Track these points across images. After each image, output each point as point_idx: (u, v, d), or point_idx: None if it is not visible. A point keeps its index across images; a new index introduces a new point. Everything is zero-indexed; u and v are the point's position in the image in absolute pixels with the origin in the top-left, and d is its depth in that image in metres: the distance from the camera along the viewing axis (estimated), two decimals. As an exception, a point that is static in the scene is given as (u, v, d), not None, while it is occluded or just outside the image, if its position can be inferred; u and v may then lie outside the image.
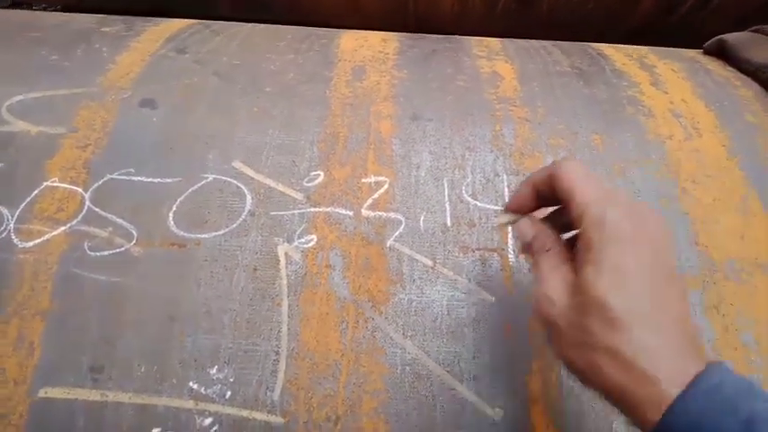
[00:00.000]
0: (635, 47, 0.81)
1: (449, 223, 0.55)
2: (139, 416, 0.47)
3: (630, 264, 0.34)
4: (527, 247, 0.42)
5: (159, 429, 0.47)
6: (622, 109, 0.64)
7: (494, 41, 0.80)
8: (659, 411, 0.32)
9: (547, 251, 0.40)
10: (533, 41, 0.81)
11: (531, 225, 0.42)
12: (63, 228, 0.53)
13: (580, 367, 0.35)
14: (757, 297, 0.52)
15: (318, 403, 0.48)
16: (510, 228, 0.45)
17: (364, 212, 0.55)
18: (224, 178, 0.55)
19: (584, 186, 0.38)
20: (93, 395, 0.48)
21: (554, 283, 0.37)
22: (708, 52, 0.80)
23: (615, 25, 1.35)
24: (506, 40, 0.81)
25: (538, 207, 0.43)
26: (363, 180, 0.57)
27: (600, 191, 0.38)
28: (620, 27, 1.34)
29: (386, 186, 0.56)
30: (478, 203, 0.56)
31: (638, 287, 0.34)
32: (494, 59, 0.73)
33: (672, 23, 1.30)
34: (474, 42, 0.79)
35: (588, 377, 0.35)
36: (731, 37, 0.77)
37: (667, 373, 0.32)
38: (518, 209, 0.44)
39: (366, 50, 0.73)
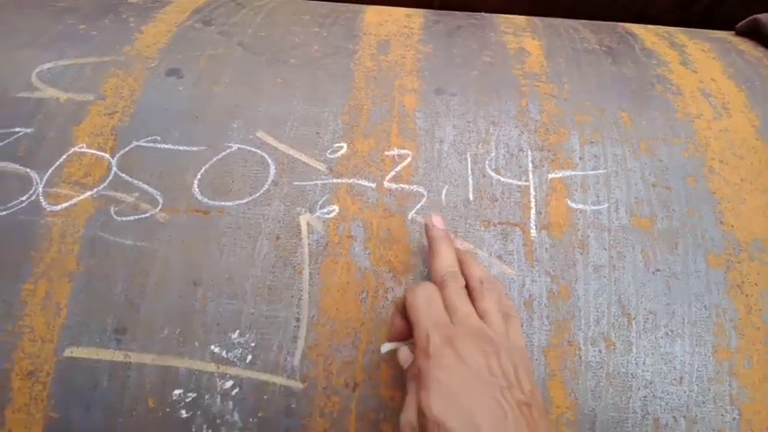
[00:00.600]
0: (665, 27, 0.80)
1: (471, 197, 0.54)
2: (162, 377, 0.48)
3: (456, 385, 0.37)
4: (406, 373, 0.43)
5: (181, 391, 0.48)
6: (651, 87, 0.63)
7: (520, 19, 0.79)
8: None
9: (412, 380, 0.41)
10: (561, 20, 0.80)
11: (410, 352, 0.44)
12: (90, 192, 0.54)
13: None
14: (784, 278, 0.51)
15: (338, 370, 0.48)
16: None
17: (386, 185, 0.55)
18: (248, 148, 0.56)
19: (420, 314, 0.42)
20: (117, 356, 0.49)
21: (412, 407, 0.39)
22: (740, 33, 0.78)
23: (635, 16, 1.33)
24: (534, 18, 0.80)
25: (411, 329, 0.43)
26: (386, 153, 0.56)
27: (431, 319, 0.41)
28: (640, 18, 1.31)
29: (409, 159, 0.56)
30: (501, 178, 0.55)
31: (467, 404, 0.36)
32: (520, 36, 0.72)
33: (693, 15, 1.27)
34: (501, 19, 0.78)
35: None
36: (765, 17, 0.74)
37: None
38: (397, 337, 0.45)
39: (391, 25, 0.72)
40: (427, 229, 0.50)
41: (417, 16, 0.76)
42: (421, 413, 0.37)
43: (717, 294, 0.51)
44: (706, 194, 0.54)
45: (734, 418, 0.48)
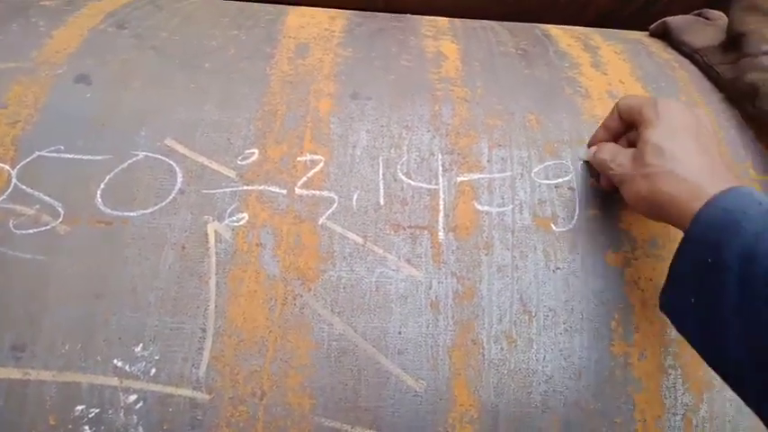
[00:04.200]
0: (585, 28, 0.82)
1: (382, 202, 0.55)
2: (63, 394, 0.47)
3: (677, 125, 0.48)
4: (597, 165, 0.55)
5: (83, 407, 0.47)
6: (561, 90, 0.65)
7: (443, 21, 0.80)
8: (700, 203, 0.42)
9: (608, 149, 0.53)
10: (484, 21, 0.82)
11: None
12: (-12, 205, 0.52)
13: (641, 195, 0.47)
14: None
15: (244, 379, 0.48)
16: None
17: (298, 191, 0.55)
18: (155, 155, 0.55)
19: (638, 98, 0.53)
20: (15, 374, 0.47)
21: (621, 154, 0.51)
22: (653, 34, 0.81)
23: (576, 15, 1.36)
24: (456, 20, 0.81)
25: (618, 133, 0.56)
26: (299, 158, 0.57)
27: (652, 98, 0.52)
28: (580, 17, 1.34)
29: (321, 165, 0.56)
30: (412, 182, 0.56)
31: (684, 137, 0.47)
32: (440, 39, 0.73)
33: (630, 13, 1.31)
34: (424, 22, 0.79)
35: (648, 200, 0.47)
36: (674, 20, 0.78)
37: (710, 182, 0.43)
38: (599, 138, 0.57)
39: (312, 28, 0.72)
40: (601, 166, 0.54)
41: (341, 18, 0.76)
42: (642, 142, 0.48)
43: (614, 290, 0.53)
44: (607, 195, 0.56)
45: (629, 409, 0.50)
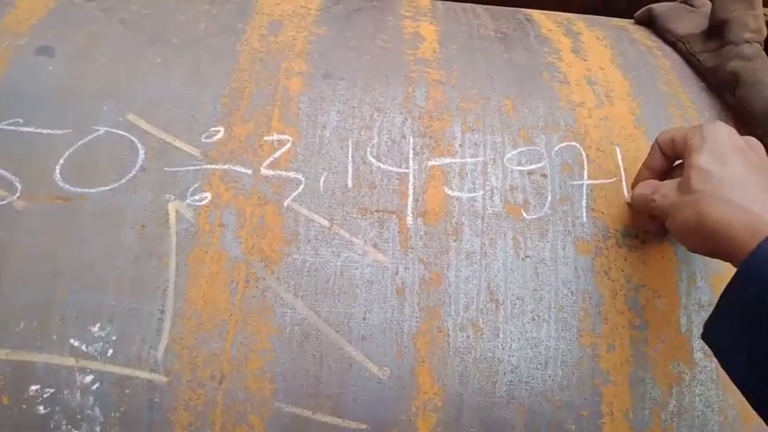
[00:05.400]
0: (570, 14, 0.81)
1: (350, 184, 0.54)
2: (17, 373, 0.46)
3: (725, 147, 0.44)
4: (641, 205, 0.52)
5: (38, 387, 0.46)
6: (539, 75, 0.64)
7: (425, 2, 0.78)
8: (756, 239, 0.39)
9: (651, 183, 0.51)
10: (467, 4, 0.80)
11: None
12: (-59, 179, 0.50)
13: (690, 225, 0.44)
14: (648, 261, 0.53)
15: (203, 362, 0.47)
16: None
17: (263, 171, 0.53)
18: (116, 131, 0.53)
19: (680, 128, 0.50)
20: (-33, 352, 0.46)
21: (664, 186, 0.48)
22: (639, 22, 0.80)
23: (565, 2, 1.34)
24: (439, 2, 0.79)
25: (664, 169, 0.52)
26: (266, 138, 0.55)
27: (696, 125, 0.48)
28: (574, 4, 1.32)
29: (288, 145, 0.55)
30: (382, 165, 0.55)
31: (734, 160, 0.43)
32: (419, 20, 0.71)
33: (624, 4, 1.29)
34: (404, 2, 0.77)
35: (696, 230, 0.44)
36: (659, 7, 0.76)
37: (766, 211, 0.40)
38: (646, 175, 0.53)
39: (288, 5, 0.70)
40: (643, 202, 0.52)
41: (319, -4, 0.74)
42: (688, 167, 0.45)
43: (584, 280, 0.52)
44: (580, 182, 0.55)
45: (596, 401, 0.50)
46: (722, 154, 0.44)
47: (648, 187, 0.50)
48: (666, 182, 0.49)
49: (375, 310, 0.50)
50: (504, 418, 0.48)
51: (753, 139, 0.47)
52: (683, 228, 0.45)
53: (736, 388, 0.41)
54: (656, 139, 0.51)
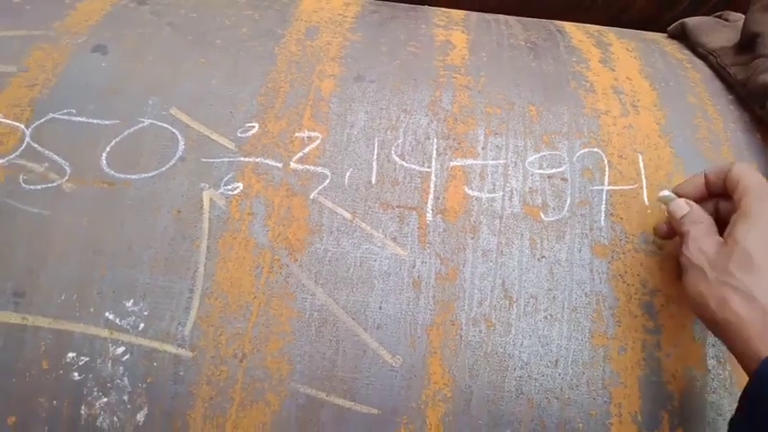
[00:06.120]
0: (602, 27, 0.81)
1: (373, 181, 0.56)
2: (57, 340, 0.50)
3: None
4: (676, 222, 0.49)
5: (74, 354, 0.50)
6: (566, 83, 0.65)
7: (458, 13, 0.80)
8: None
9: (699, 223, 0.47)
10: (500, 15, 0.82)
11: (686, 204, 0.49)
12: (1, 161, 0.55)
13: (707, 300, 0.43)
14: (665, 267, 0.53)
15: (227, 340, 0.50)
16: (664, 203, 0.52)
17: (293, 165, 0.56)
18: (160, 123, 0.57)
19: (751, 177, 0.46)
20: (14, 318, 0.50)
21: (707, 241, 0.46)
22: (671, 35, 0.80)
23: (614, 18, 1.34)
24: (472, 13, 0.81)
25: (703, 196, 0.50)
26: (297, 134, 0.58)
27: (762, 183, 0.45)
28: (619, 20, 1.32)
29: (317, 142, 0.58)
30: (405, 164, 0.57)
31: None
32: (451, 29, 0.73)
33: (671, 19, 1.29)
34: (438, 12, 0.79)
35: (710, 309, 0.43)
36: (692, 21, 0.76)
37: None
38: (684, 193, 0.51)
39: (326, 12, 0.74)
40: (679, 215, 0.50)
41: (355, 5, 0.78)
42: (733, 241, 0.43)
43: (598, 282, 0.53)
44: (600, 187, 0.56)
45: (605, 402, 0.50)
46: None
47: (693, 226, 0.48)
48: (710, 235, 0.46)
49: (391, 300, 0.51)
50: (512, 413, 0.49)
51: None
52: (700, 300, 0.44)
53: None
54: (731, 169, 0.48)
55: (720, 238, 0.45)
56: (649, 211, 0.55)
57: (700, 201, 0.50)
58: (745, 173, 0.46)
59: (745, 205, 0.44)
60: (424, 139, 0.59)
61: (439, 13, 0.79)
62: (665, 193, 0.52)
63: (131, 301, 0.51)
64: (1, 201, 0.53)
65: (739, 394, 0.41)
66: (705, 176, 0.50)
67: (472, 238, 0.54)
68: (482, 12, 0.83)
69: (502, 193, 0.55)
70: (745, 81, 0.63)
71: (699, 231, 0.47)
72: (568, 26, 0.79)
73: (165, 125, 0.57)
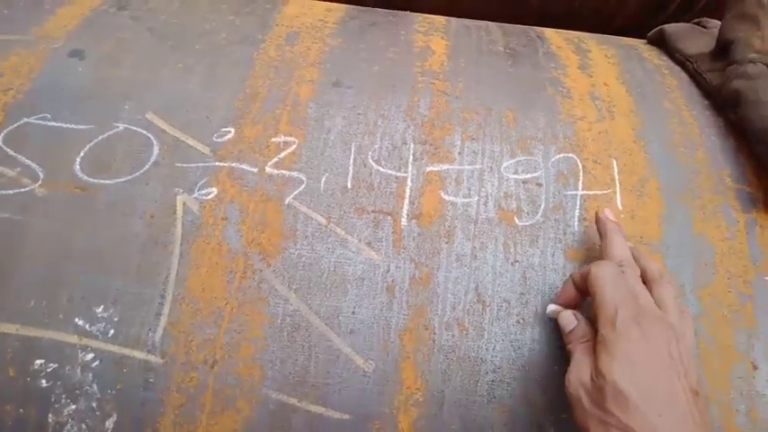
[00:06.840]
0: (583, 33, 0.82)
1: (349, 185, 0.56)
2: (25, 347, 0.49)
3: (639, 359, 0.41)
4: (565, 337, 0.48)
5: (42, 361, 0.49)
6: (543, 89, 0.65)
7: (439, 19, 0.80)
8: None
9: (583, 342, 0.46)
10: (481, 21, 0.82)
11: (573, 317, 0.48)
12: (-27, 166, 0.54)
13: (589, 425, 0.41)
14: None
15: (198, 346, 0.50)
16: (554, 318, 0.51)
17: (268, 170, 0.56)
18: (134, 128, 0.57)
19: (606, 288, 0.45)
20: (-19, 324, 0.50)
21: (584, 368, 0.43)
22: (651, 41, 0.81)
23: (603, 23, 1.35)
24: (453, 19, 0.82)
25: (580, 299, 0.49)
26: (273, 139, 0.58)
27: (618, 295, 0.44)
28: (608, 25, 1.33)
29: (294, 147, 0.58)
30: (381, 169, 0.57)
31: (647, 377, 0.40)
32: (431, 35, 0.73)
33: (659, 23, 1.30)
34: (420, 18, 0.80)
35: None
36: (671, 27, 0.77)
37: None
38: (564, 303, 0.50)
39: (307, 18, 0.74)
40: (599, 221, 0.52)
41: (338, 11, 0.78)
42: (600, 375, 0.41)
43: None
44: (574, 192, 0.56)
45: (578, 406, 0.50)
46: (632, 364, 0.41)
47: (574, 335, 0.47)
48: (590, 358, 0.44)
49: (364, 305, 0.51)
50: (485, 417, 0.49)
51: (680, 326, 0.44)
52: (582, 422, 0.42)
53: None
54: (572, 277, 0.49)
55: (593, 361, 0.43)
56: (623, 215, 0.56)
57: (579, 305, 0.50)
58: (600, 276, 0.45)
59: (602, 325, 0.43)
60: (400, 144, 0.59)
61: (420, 20, 0.79)
62: (552, 307, 0.50)
63: (102, 306, 0.50)
64: (-28, 206, 0.53)
65: None
66: (572, 280, 0.49)
67: (447, 243, 0.54)
68: (472, 18, 0.84)
69: (477, 197, 0.55)
70: (720, 87, 0.64)
71: (582, 352, 0.45)
72: (548, 32, 0.79)
73: (139, 130, 0.57)
